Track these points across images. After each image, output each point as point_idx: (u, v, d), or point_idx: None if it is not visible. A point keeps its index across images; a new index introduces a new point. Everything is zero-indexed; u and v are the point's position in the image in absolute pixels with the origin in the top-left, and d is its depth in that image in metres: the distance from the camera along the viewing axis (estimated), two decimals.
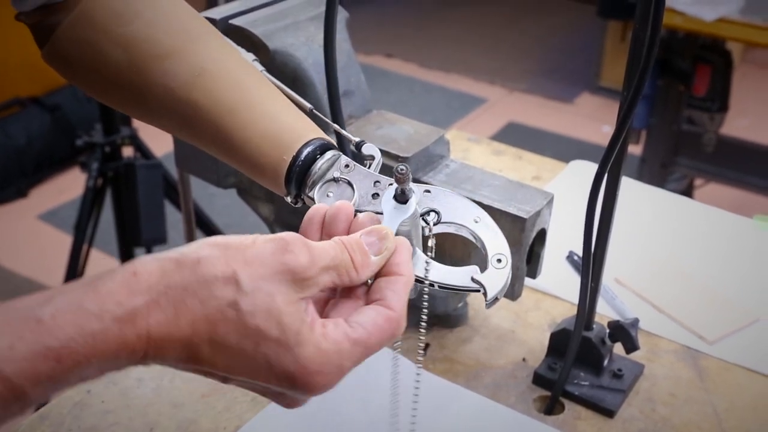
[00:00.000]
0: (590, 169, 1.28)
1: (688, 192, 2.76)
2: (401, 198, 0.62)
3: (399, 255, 0.57)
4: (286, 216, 1.01)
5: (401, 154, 0.88)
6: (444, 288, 0.62)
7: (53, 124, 3.15)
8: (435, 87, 4.02)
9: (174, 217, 2.34)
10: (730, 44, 2.52)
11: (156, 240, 1.98)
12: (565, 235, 1.09)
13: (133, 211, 1.95)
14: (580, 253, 0.84)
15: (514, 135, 3.56)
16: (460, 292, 0.65)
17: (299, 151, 0.67)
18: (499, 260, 0.62)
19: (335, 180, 0.66)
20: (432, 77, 4.11)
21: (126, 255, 2.07)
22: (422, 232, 0.65)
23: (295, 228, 1.03)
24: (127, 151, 2.02)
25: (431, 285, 0.62)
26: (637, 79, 0.72)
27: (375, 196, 0.65)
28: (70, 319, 0.47)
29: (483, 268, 0.62)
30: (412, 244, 0.60)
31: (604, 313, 1.01)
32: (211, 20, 0.92)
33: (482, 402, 0.88)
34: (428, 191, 0.66)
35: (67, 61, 0.74)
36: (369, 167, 0.68)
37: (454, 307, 0.97)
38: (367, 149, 0.70)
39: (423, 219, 0.64)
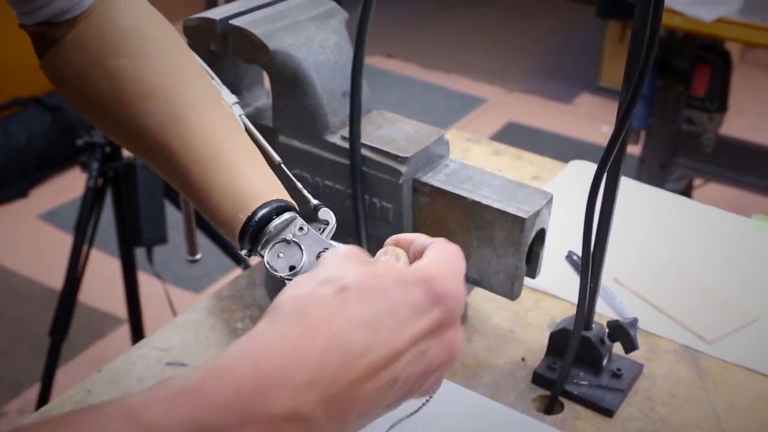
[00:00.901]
0: (589, 169, 1.29)
1: (687, 192, 2.76)
2: None
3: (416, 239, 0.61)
4: None
5: (401, 154, 0.88)
6: None
7: (54, 124, 3.15)
8: (435, 87, 4.02)
9: (174, 217, 2.33)
10: (729, 44, 2.52)
11: (156, 240, 1.98)
12: (564, 235, 1.09)
13: (134, 211, 1.95)
14: (580, 253, 0.84)
15: (514, 135, 3.57)
16: None
17: (255, 212, 0.68)
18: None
19: (287, 241, 0.67)
20: (432, 77, 4.11)
21: (126, 255, 2.07)
22: None
23: None
24: (128, 152, 2.02)
25: None
26: (636, 79, 0.72)
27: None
28: (201, 371, 0.47)
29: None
30: None
31: (604, 312, 1.02)
32: (211, 21, 0.92)
33: (481, 401, 0.89)
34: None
35: (59, 78, 0.75)
36: (322, 232, 0.70)
37: None
38: (322, 214, 0.72)
39: None
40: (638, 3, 0.71)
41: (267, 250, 0.67)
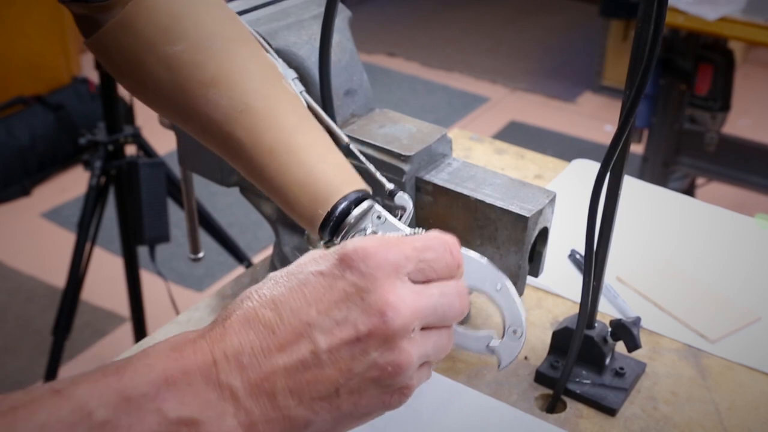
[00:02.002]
0: (592, 168, 1.29)
1: (689, 191, 2.76)
2: None
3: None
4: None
5: (404, 153, 0.88)
6: (460, 348, 0.64)
7: (56, 123, 3.16)
8: (437, 86, 4.02)
9: (177, 216, 2.34)
10: (732, 44, 2.52)
11: (159, 238, 1.98)
12: (567, 234, 1.09)
13: (136, 209, 1.96)
14: (582, 252, 0.84)
15: (516, 134, 3.56)
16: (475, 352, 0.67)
17: (334, 206, 0.68)
18: (515, 332, 0.64)
19: (366, 231, 0.68)
20: (434, 76, 4.11)
21: (129, 253, 2.07)
22: None
23: (297, 226, 1.03)
24: (130, 150, 2.02)
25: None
26: (639, 79, 0.72)
27: None
28: (124, 360, 0.51)
29: (500, 332, 0.65)
30: None
31: (606, 311, 1.02)
32: None
33: (484, 400, 0.89)
34: None
35: (110, 59, 0.73)
36: (400, 218, 0.70)
37: None
38: (399, 199, 0.72)
39: None
40: (642, 2, 0.71)
41: (348, 239, 0.67)
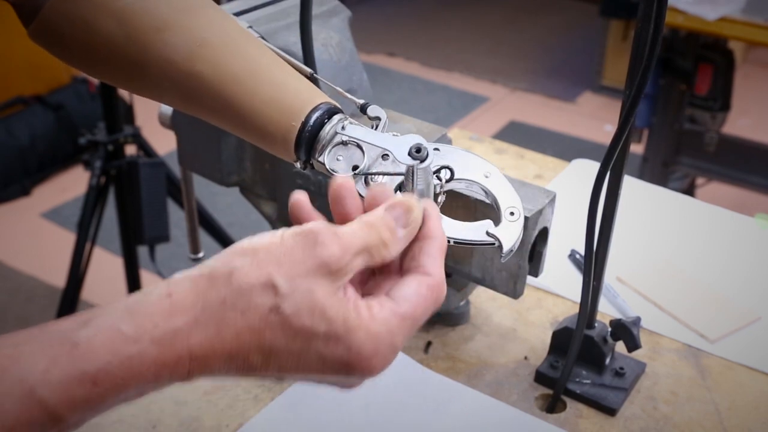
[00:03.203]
0: (592, 168, 1.29)
1: (689, 191, 2.76)
2: (418, 155, 0.62)
3: (429, 219, 0.57)
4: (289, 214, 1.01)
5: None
6: (459, 243, 0.62)
7: (56, 123, 3.16)
8: (437, 86, 4.02)
9: (177, 216, 2.34)
10: (732, 43, 2.52)
11: (159, 238, 1.98)
12: (567, 234, 1.09)
13: (136, 209, 1.96)
14: (582, 252, 0.84)
15: (516, 134, 3.56)
16: (475, 246, 0.65)
17: (308, 117, 0.67)
18: (512, 213, 0.63)
19: (344, 143, 0.67)
20: (434, 76, 4.11)
21: (129, 253, 2.07)
22: (434, 189, 0.64)
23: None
24: (130, 150, 2.02)
25: (447, 241, 0.61)
26: (639, 78, 0.72)
27: (385, 156, 0.65)
28: (107, 342, 0.47)
29: (497, 221, 0.63)
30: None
31: (606, 311, 1.01)
32: None
33: (484, 400, 0.89)
34: (437, 149, 0.66)
35: (56, 37, 0.72)
36: (376, 128, 0.69)
37: (455, 305, 0.98)
38: (372, 111, 0.71)
39: (436, 176, 0.64)
40: (641, 2, 0.71)
41: (325, 155, 0.66)
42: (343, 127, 0.67)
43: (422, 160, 0.61)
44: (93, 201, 1.98)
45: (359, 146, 0.66)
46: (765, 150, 2.64)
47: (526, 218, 0.83)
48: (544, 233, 0.88)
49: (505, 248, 0.62)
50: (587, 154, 1.46)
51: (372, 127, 0.68)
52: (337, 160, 0.66)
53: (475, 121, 3.71)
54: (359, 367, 0.52)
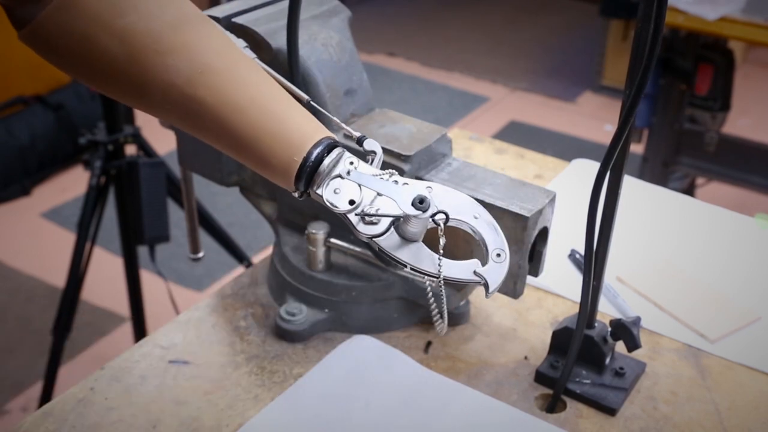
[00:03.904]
0: (592, 167, 1.29)
1: (689, 191, 2.76)
2: (421, 207, 0.66)
3: None
4: (288, 214, 1.01)
5: (403, 153, 0.88)
6: (449, 280, 0.66)
7: (56, 123, 3.16)
8: (437, 86, 4.02)
9: (177, 216, 2.34)
10: (732, 43, 2.52)
11: (159, 238, 1.98)
12: (567, 234, 1.09)
13: (136, 209, 1.95)
14: (582, 252, 0.84)
15: (516, 134, 3.56)
16: (464, 283, 0.68)
17: (309, 152, 0.68)
18: (498, 254, 0.67)
19: (342, 177, 0.69)
20: (434, 76, 4.11)
21: (129, 253, 2.07)
22: (437, 233, 0.68)
23: (297, 225, 1.04)
24: (130, 150, 2.02)
25: (436, 277, 0.66)
26: (639, 78, 0.72)
27: (378, 194, 0.68)
28: None
29: (484, 262, 0.66)
30: (418, 240, 0.66)
31: (606, 311, 1.02)
32: (215, 18, 0.92)
33: (484, 400, 0.89)
34: (429, 188, 0.68)
35: (51, 47, 0.70)
36: (371, 163, 0.71)
37: (455, 305, 0.98)
38: (368, 145, 0.73)
39: (434, 221, 0.67)
40: (642, 2, 0.71)
41: (324, 188, 0.69)
42: (348, 172, 0.69)
43: (424, 211, 0.66)
44: (93, 201, 1.98)
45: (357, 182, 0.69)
46: (765, 150, 2.64)
47: (525, 218, 0.83)
48: (544, 233, 0.88)
49: (491, 288, 0.66)
50: (587, 154, 1.46)
51: (367, 161, 0.71)
52: (335, 193, 0.69)
53: (475, 121, 3.71)
54: None
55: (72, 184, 3.12)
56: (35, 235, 2.89)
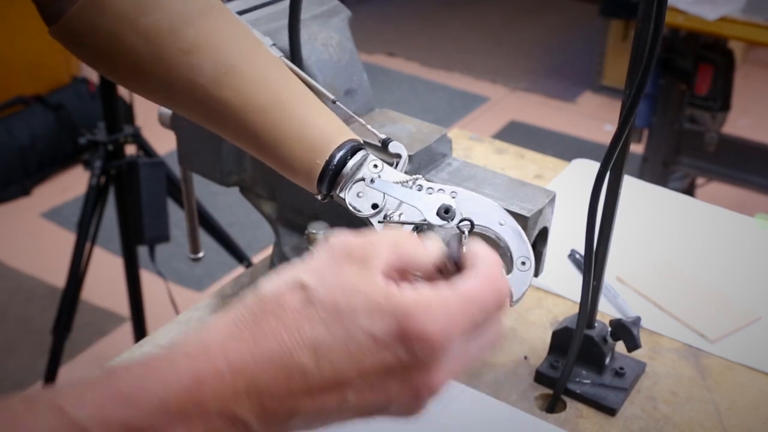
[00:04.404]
0: (592, 167, 1.29)
1: (689, 191, 2.76)
2: (447, 216, 0.66)
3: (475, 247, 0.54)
4: (289, 214, 1.01)
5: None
6: None
7: (56, 123, 3.16)
8: (437, 86, 4.02)
9: (177, 216, 2.34)
10: (732, 43, 2.52)
11: (159, 238, 1.98)
12: (567, 234, 1.09)
13: (136, 209, 1.96)
14: (582, 252, 0.84)
15: (516, 134, 3.56)
16: None
17: (332, 155, 0.68)
18: (523, 263, 0.65)
19: (364, 180, 0.68)
20: (434, 76, 4.11)
21: (129, 253, 2.07)
22: (460, 239, 0.67)
23: (297, 225, 1.03)
24: (130, 150, 2.02)
25: None
26: (639, 78, 0.72)
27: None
28: (141, 363, 0.46)
29: (508, 269, 0.64)
30: None
31: (606, 311, 1.01)
32: None
33: (484, 400, 0.89)
34: (455, 193, 0.68)
35: (79, 43, 0.71)
36: (396, 166, 0.70)
37: None
38: (393, 147, 0.72)
39: (459, 228, 0.66)
40: (642, 2, 0.71)
41: (347, 192, 0.68)
42: (372, 180, 0.68)
43: (450, 221, 0.65)
44: (93, 201, 1.98)
45: (379, 188, 0.68)
46: (765, 150, 2.64)
47: (525, 218, 0.83)
48: (544, 233, 0.88)
49: (515, 297, 0.64)
50: (587, 154, 1.46)
51: (392, 165, 0.70)
52: (358, 196, 0.68)
53: (475, 121, 3.71)
54: (414, 333, 0.46)
55: (72, 184, 3.12)
56: (35, 235, 2.89)
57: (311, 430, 0.50)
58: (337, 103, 0.79)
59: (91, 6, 0.68)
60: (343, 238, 0.51)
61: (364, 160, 0.69)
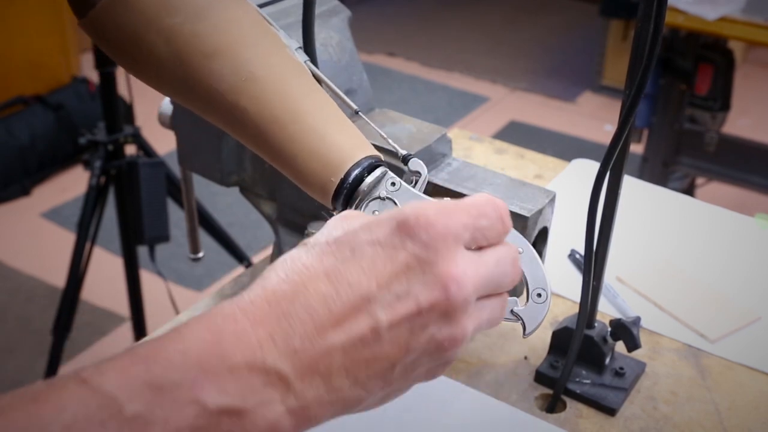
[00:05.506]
0: (592, 167, 1.29)
1: (689, 191, 2.76)
2: None
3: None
4: (289, 214, 1.01)
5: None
6: None
7: (56, 123, 3.16)
8: (437, 86, 4.02)
9: (177, 216, 2.34)
10: (732, 43, 2.52)
11: (159, 238, 1.98)
12: (567, 234, 1.09)
13: (136, 209, 1.96)
14: (582, 252, 0.84)
15: (516, 134, 3.56)
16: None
17: (347, 173, 0.66)
18: (539, 294, 0.63)
19: (381, 199, 0.67)
20: (434, 76, 4.11)
21: (129, 253, 2.07)
22: None
23: (297, 225, 1.03)
24: (130, 150, 2.02)
25: None
26: (639, 78, 0.72)
27: None
28: (158, 337, 0.45)
29: (520, 296, 0.64)
30: None
31: (606, 311, 1.01)
32: None
33: (483, 400, 0.89)
34: None
35: (104, 39, 0.71)
36: (414, 185, 0.69)
37: None
38: (413, 164, 0.70)
39: None
40: (642, 2, 0.71)
41: (362, 208, 0.67)
42: (380, 181, 0.67)
43: None
44: (93, 201, 1.98)
45: (395, 203, 0.66)
46: (765, 150, 2.64)
47: (525, 218, 0.83)
48: (544, 233, 0.88)
49: (528, 329, 0.63)
50: (587, 154, 1.46)
51: (411, 183, 0.69)
52: (374, 213, 0.67)
53: (475, 121, 3.71)
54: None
55: (72, 184, 3.12)
56: (35, 235, 2.89)
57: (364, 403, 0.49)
58: (360, 113, 0.77)
59: (118, 2, 0.68)
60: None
61: (382, 177, 0.67)
